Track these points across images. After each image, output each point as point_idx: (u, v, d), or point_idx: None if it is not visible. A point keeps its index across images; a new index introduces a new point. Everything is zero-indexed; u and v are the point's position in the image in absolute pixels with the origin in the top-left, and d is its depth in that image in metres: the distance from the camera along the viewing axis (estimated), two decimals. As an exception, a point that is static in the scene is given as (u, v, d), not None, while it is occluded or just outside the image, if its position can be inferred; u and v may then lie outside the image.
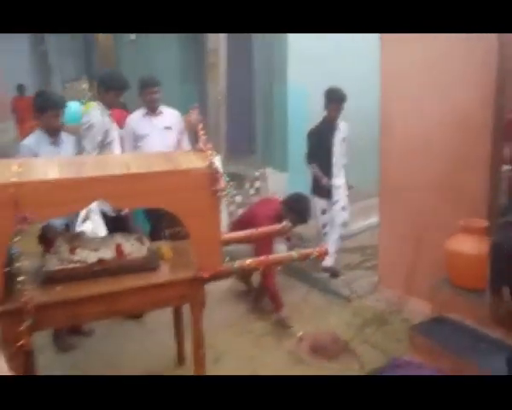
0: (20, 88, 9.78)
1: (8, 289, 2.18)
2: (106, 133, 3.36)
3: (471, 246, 2.89)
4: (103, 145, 3.35)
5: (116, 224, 3.27)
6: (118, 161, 2.76)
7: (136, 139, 3.79)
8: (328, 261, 4.41)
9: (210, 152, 2.55)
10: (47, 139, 3.07)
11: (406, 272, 3.70)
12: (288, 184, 5.54)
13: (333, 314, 3.72)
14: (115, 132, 3.52)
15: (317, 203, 4.45)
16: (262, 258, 2.73)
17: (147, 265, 2.51)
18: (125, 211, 3.39)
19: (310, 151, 4.43)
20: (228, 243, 2.99)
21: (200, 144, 2.72)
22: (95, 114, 3.38)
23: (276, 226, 3.32)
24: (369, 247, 4.70)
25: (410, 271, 3.68)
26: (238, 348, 3.29)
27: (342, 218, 4.42)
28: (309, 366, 3.09)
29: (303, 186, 5.42)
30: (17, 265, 2.22)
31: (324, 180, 4.31)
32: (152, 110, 3.82)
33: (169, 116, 3.89)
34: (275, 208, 3.79)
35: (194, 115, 3.57)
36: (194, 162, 2.57)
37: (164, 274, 2.49)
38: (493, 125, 3.08)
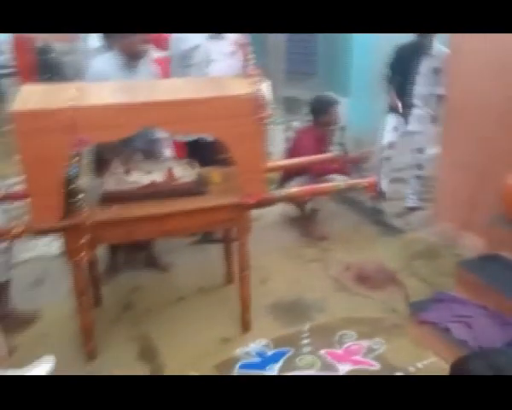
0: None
1: (69, 207, 2.38)
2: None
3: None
4: None
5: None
6: (170, 87, 2.80)
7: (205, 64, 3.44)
8: (410, 202, 4.32)
9: (257, 78, 2.52)
10: (123, 63, 2.96)
11: (464, 206, 3.55)
12: (350, 110, 5.34)
13: (382, 245, 3.70)
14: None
15: (390, 118, 4.25)
16: (307, 187, 2.73)
17: (195, 189, 2.61)
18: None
19: (392, 68, 4.14)
20: (274, 170, 3.01)
21: (249, 69, 2.69)
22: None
23: (327, 155, 3.28)
24: (432, 178, 4.51)
25: (469, 204, 3.53)
26: (285, 271, 3.40)
27: (416, 160, 4.25)
28: (352, 293, 3.15)
29: (365, 113, 5.20)
30: (76, 184, 2.41)
31: (395, 104, 4.12)
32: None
33: (233, 39, 3.46)
34: (312, 130, 3.83)
35: (242, 38, 3.38)
36: (242, 88, 2.56)
37: (211, 199, 2.58)
38: None
